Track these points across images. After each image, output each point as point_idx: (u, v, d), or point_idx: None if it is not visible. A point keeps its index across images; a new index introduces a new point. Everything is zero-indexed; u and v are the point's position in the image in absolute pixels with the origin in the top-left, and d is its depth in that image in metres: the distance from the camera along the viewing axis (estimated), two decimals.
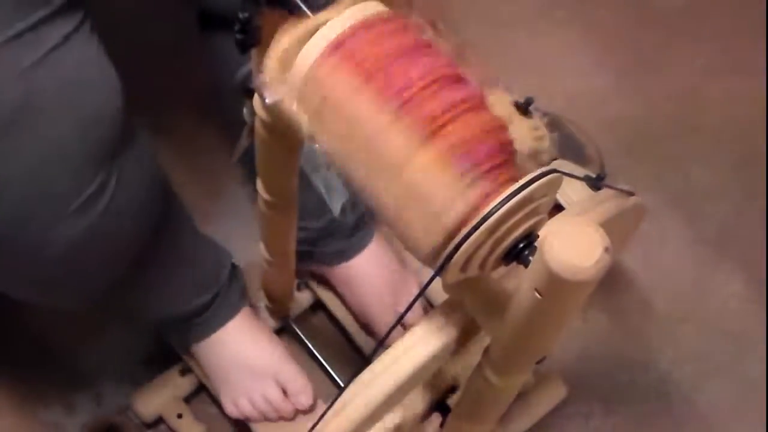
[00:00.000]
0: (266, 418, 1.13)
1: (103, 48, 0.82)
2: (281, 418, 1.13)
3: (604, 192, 0.72)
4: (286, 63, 0.61)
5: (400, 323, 0.63)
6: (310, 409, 1.13)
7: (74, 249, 0.81)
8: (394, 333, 0.64)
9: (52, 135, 0.76)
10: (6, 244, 0.79)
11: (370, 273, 1.17)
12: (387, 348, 0.67)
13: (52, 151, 0.76)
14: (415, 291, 1.19)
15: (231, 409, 1.13)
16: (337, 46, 0.59)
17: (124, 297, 1.00)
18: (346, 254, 1.17)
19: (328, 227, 1.14)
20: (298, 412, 1.13)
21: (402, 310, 1.16)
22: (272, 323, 1.22)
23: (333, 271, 1.19)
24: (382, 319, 1.17)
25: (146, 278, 0.99)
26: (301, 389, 1.12)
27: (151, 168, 0.90)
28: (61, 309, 1.14)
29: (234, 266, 1.13)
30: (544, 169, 0.57)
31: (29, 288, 0.88)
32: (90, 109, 0.78)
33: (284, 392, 1.12)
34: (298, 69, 0.60)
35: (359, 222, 1.16)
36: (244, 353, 1.11)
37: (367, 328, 1.22)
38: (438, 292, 0.66)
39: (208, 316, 1.09)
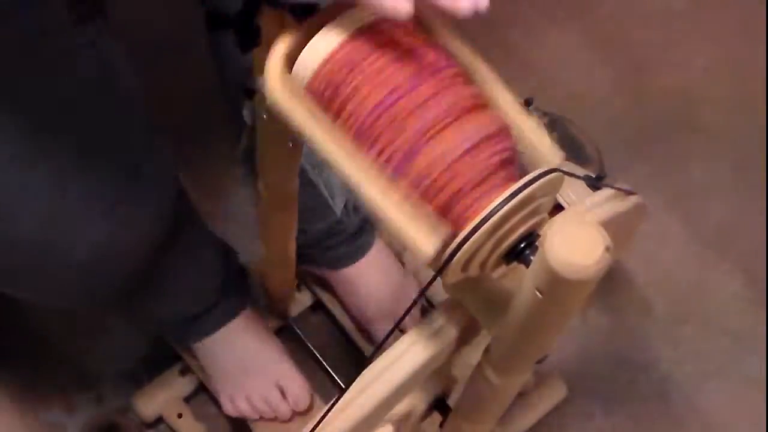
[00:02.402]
0: (263, 418, 1.13)
1: (127, 55, 0.82)
2: (278, 418, 1.13)
3: (604, 192, 0.72)
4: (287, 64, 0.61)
5: (398, 328, 0.63)
6: (307, 411, 1.13)
7: (98, 253, 0.81)
8: (391, 338, 0.64)
9: (76, 141, 0.76)
10: (32, 251, 0.79)
11: (371, 278, 1.17)
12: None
13: (77, 157, 0.76)
14: (415, 296, 1.19)
15: (228, 408, 1.13)
16: (343, 44, 0.59)
17: (135, 297, 1.00)
18: (348, 258, 1.17)
19: (330, 230, 1.14)
20: (295, 414, 1.13)
21: (400, 317, 1.16)
22: (272, 323, 1.22)
23: (334, 275, 1.19)
24: (380, 325, 1.17)
25: (159, 278, 0.99)
26: (299, 391, 1.12)
27: (173, 171, 0.90)
28: (67, 310, 1.14)
29: (240, 265, 1.13)
30: (544, 168, 0.57)
31: (48, 293, 0.88)
32: (115, 115, 0.78)
33: (282, 393, 1.12)
34: (303, 66, 0.60)
35: (362, 225, 1.16)
36: (245, 353, 1.11)
37: (364, 333, 1.21)
38: (438, 291, 0.66)
39: (211, 315, 1.09)
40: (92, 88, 0.76)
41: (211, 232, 1.10)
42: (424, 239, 0.57)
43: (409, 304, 1.17)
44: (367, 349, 1.21)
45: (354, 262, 1.17)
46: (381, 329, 1.17)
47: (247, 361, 1.11)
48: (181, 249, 0.99)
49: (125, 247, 0.84)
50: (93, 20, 0.77)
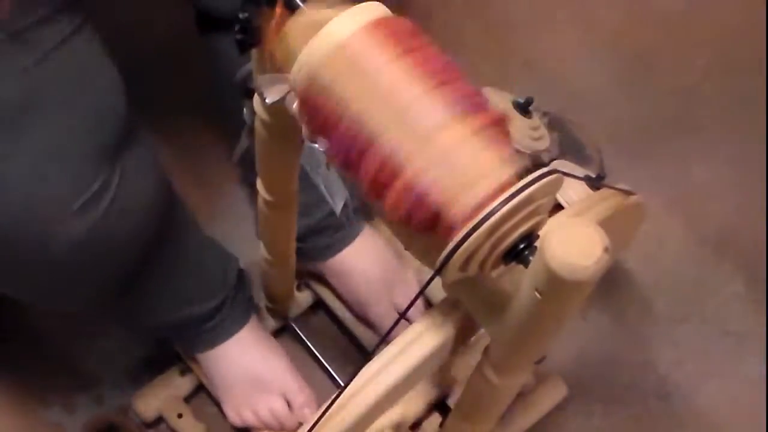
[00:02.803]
0: (269, 429, 1.13)
1: (106, 49, 0.82)
2: (284, 429, 1.13)
3: (604, 192, 0.72)
4: (290, 57, 0.61)
5: (403, 317, 0.63)
6: None
7: (76, 249, 0.81)
8: (395, 329, 0.64)
9: (52, 135, 0.76)
10: (7, 244, 0.79)
11: (361, 264, 1.18)
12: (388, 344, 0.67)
13: (53, 150, 0.76)
14: (411, 280, 1.19)
15: (234, 419, 1.14)
16: (374, 23, 0.59)
17: (128, 301, 1.00)
18: (334, 247, 1.17)
19: (317, 224, 1.14)
20: (301, 425, 1.13)
21: (397, 300, 1.17)
22: (272, 323, 1.22)
23: (325, 265, 1.19)
24: (377, 310, 1.17)
25: (150, 281, 0.98)
26: (306, 402, 1.12)
27: (155, 168, 0.90)
28: (64, 311, 1.15)
29: (241, 272, 1.13)
30: (544, 169, 0.57)
31: (31, 289, 0.88)
32: (91, 110, 0.78)
33: (288, 404, 1.12)
34: (323, 41, 0.60)
35: (349, 216, 1.16)
36: (250, 366, 1.11)
37: (363, 320, 1.21)
38: (437, 289, 0.66)
39: (214, 326, 1.08)
40: (62, 84, 0.76)
41: (208, 237, 1.09)
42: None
43: (405, 288, 1.18)
44: (369, 345, 1.21)
45: (339, 252, 1.17)
46: (378, 315, 1.17)
47: (253, 373, 1.11)
48: (172, 252, 0.98)
49: (105, 244, 0.83)
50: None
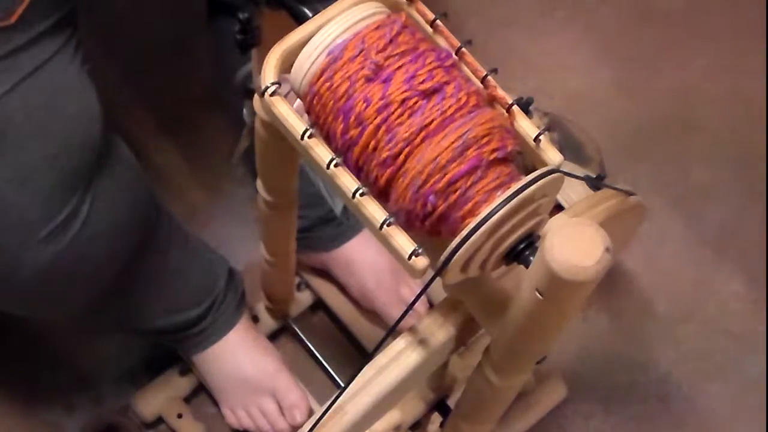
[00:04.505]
0: (261, 429, 1.13)
1: (86, 70, 0.80)
2: (276, 430, 1.13)
3: (604, 192, 0.72)
4: (286, 65, 0.61)
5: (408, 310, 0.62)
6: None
7: (44, 274, 0.80)
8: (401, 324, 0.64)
9: (19, 162, 0.75)
10: None
11: (367, 254, 1.17)
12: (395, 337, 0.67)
13: (19, 178, 0.75)
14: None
15: (231, 419, 1.14)
16: (332, 51, 0.59)
17: (110, 310, 1.00)
18: (341, 238, 1.17)
19: (325, 215, 1.14)
20: (293, 428, 1.12)
21: (404, 291, 1.17)
22: (272, 323, 1.22)
23: (330, 257, 1.19)
24: (384, 301, 1.17)
25: (131, 293, 0.98)
26: (295, 403, 1.12)
27: (132, 189, 0.88)
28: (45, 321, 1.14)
29: (231, 274, 1.12)
30: (544, 169, 0.57)
31: (4, 305, 0.88)
32: (61, 137, 0.77)
33: (279, 407, 1.12)
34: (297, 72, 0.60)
35: (349, 216, 1.15)
36: (242, 366, 1.11)
37: (369, 311, 1.21)
38: (439, 289, 0.66)
39: (203, 328, 1.08)
40: (32, 113, 0.75)
41: (196, 243, 1.08)
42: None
43: (410, 281, 1.17)
44: (368, 342, 1.20)
45: (346, 242, 1.17)
46: (386, 306, 1.17)
47: (244, 374, 1.11)
48: (153, 265, 0.98)
49: (75, 267, 0.83)
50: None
